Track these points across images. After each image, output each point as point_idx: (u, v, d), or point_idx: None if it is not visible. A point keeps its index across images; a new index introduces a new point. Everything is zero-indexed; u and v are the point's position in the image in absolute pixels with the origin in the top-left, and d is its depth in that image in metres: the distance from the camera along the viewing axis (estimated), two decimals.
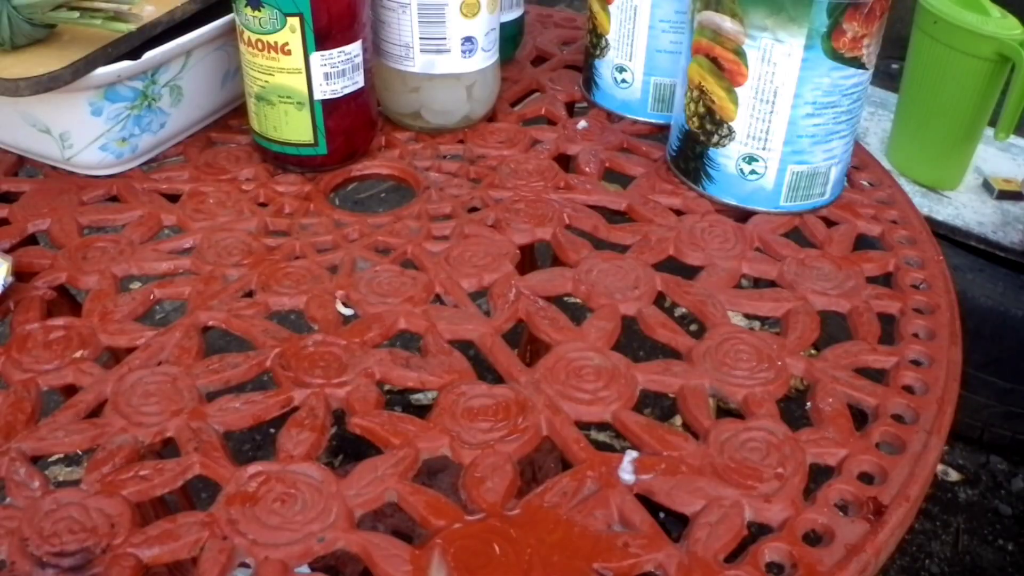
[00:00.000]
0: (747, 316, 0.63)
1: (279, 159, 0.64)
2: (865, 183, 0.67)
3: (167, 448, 0.45)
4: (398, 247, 0.58)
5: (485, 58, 0.68)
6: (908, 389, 0.49)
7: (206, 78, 0.66)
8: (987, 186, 1.34)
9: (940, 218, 1.27)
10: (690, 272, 0.57)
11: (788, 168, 0.60)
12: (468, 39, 0.66)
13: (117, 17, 0.58)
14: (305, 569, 0.40)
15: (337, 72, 0.61)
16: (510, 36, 0.77)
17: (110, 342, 0.51)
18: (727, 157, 0.61)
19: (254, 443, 1.22)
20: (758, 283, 0.58)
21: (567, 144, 0.70)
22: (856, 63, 0.57)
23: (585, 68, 0.75)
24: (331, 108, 0.62)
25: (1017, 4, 1.23)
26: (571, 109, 0.76)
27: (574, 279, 0.55)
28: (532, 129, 0.71)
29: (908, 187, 1.32)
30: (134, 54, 0.59)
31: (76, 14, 0.58)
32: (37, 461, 0.44)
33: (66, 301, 0.57)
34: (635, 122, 0.72)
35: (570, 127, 0.72)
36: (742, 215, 0.62)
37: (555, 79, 0.79)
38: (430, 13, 0.64)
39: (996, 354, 1.19)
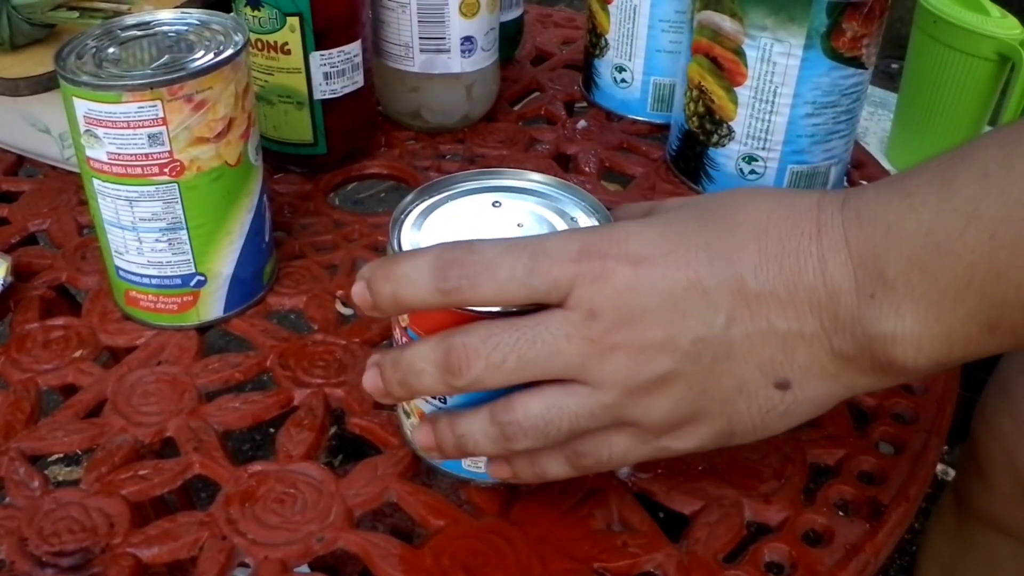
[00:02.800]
0: None
1: (279, 159, 0.64)
2: (865, 183, 0.67)
3: (167, 448, 0.45)
4: None
5: (485, 58, 0.68)
6: (908, 389, 0.49)
7: None
8: None
9: None
10: None
11: (788, 168, 0.60)
12: (468, 39, 0.66)
13: (116, 16, 0.58)
14: (305, 569, 0.40)
15: (337, 72, 0.61)
16: (510, 36, 0.77)
17: (109, 342, 0.51)
18: (727, 157, 0.61)
19: (254, 443, 1.21)
20: None
21: (567, 144, 0.70)
22: (856, 63, 0.57)
23: (585, 68, 0.75)
24: (331, 108, 0.62)
25: (1017, 4, 1.23)
26: (571, 109, 0.76)
27: None
28: (531, 129, 0.71)
29: None
30: None
31: (76, 14, 0.58)
32: (37, 461, 0.44)
33: (66, 301, 0.57)
34: (635, 122, 0.72)
35: (570, 127, 0.72)
36: None
37: (554, 79, 0.79)
38: (430, 13, 0.64)
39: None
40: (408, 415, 0.41)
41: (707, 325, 0.33)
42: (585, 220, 0.40)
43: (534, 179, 0.42)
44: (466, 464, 0.41)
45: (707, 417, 0.35)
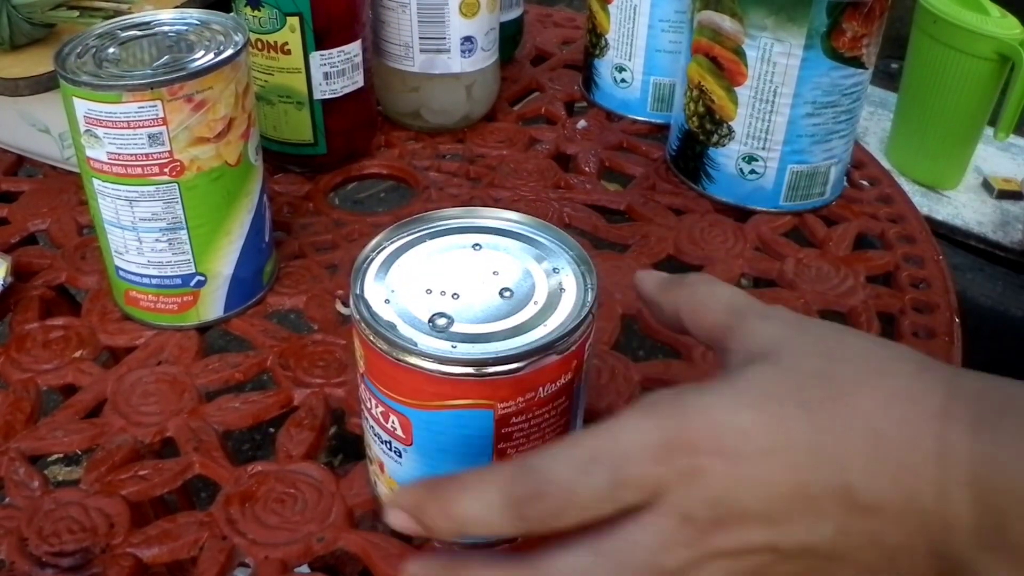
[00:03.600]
0: None
1: (279, 159, 0.64)
2: (865, 182, 0.67)
3: (166, 448, 0.45)
4: None
5: (485, 58, 0.68)
6: None
7: None
8: (987, 185, 1.34)
9: (940, 217, 1.27)
10: (690, 272, 0.57)
11: (788, 167, 0.60)
12: (468, 39, 0.66)
13: (117, 16, 0.58)
14: (305, 569, 0.40)
15: (337, 72, 0.61)
16: (510, 36, 0.77)
17: (109, 342, 0.51)
18: (727, 156, 0.61)
19: (254, 443, 1.22)
20: (758, 283, 0.58)
21: (567, 144, 0.70)
22: (856, 63, 0.57)
23: (585, 68, 0.75)
24: (331, 108, 0.62)
25: (1017, 4, 1.23)
26: (571, 108, 0.76)
27: None
28: (531, 129, 0.71)
29: (908, 186, 1.32)
30: None
31: (76, 13, 0.58)
32: (36, 461, 0.44)
33: (65, 301, 0.57)
34: (635, 122, 0.72)
35: (569, 127, 0.72)
36: (742, 215, 0.62)
37: (554, 79, 0.79)
38: (430, 13, 0.64)
39: (996, 354, 1.19)
40: (371, 461, 0.40)
41: (812, 532, 0.31)
42: (566, 270, 0.37)
43: (511, 219, 0.39)
44: None
45: None
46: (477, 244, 0.39)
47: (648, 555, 0.31)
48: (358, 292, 0.36)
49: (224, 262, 0.50)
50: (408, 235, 0.39)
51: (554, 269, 0.37)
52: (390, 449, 0.37)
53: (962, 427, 0.30)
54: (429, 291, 0.36)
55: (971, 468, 0.30)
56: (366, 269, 0.37)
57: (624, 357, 0.50)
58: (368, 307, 0.35)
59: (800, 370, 0.32)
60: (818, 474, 0.30)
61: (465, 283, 0.37)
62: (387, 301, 0.36)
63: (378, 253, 0.38)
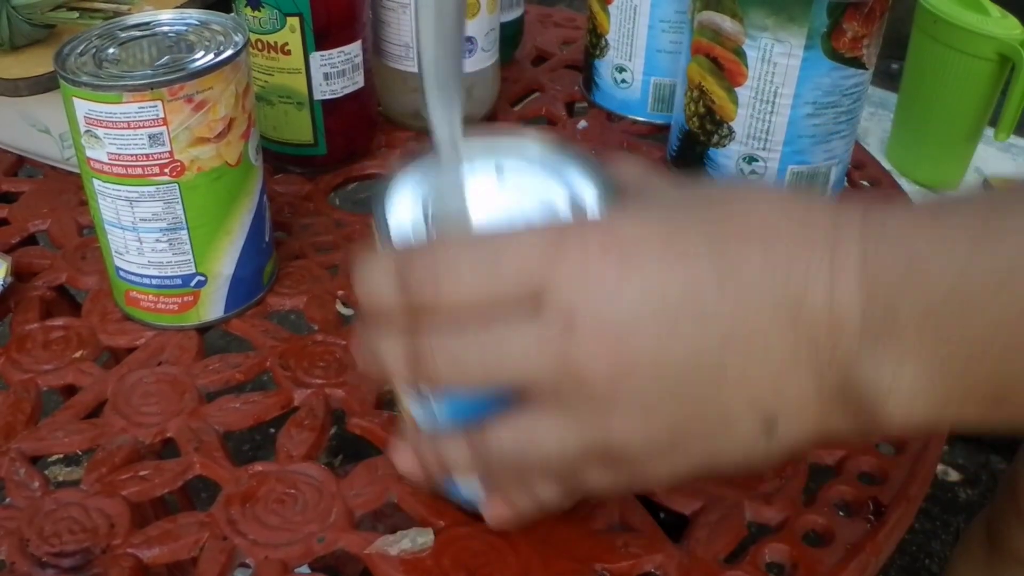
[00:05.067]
0: None
1: (279, 159, 0.64)
2: (865, 183, 0.67)
3: (167, 448, 0.45)
4: None
5: (485, 58, 0.68)
6: None
7: None
8: (987, 186, 1.34)
9: None
10: None
11: (788, 168, 0.60)
12: (468, 39, 0.66)
13: (116, 17, 0.58)
14: (305, 569, 0.40)
15: (337, 72, 0.61)
16: (510, 36, 0.77)
17: (110, 342, 0.51)
18: (727, 157, 0.61)
19: (254, 443, 1.21)
20: None
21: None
22: (856, 63, 0.57)
23: (585, 68, 0.75)
24: (331, 108, 0.62)
25: (1017, 4, 1.23)
26: (571, 109, 0.76)
27: None
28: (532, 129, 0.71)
29: (908, 187, 1.32)
30: None
31: (76, 14, 0.58)
32: (37, 461, 0.44)
33: (66, 301, 0.57)
34: (635, 122, 0.72)
35: (570, 127, 0.72)
36: None
37: (555, 79, 0.79)
38: None
39: None
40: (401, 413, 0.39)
41: (703, 336, 0.29)
42: (587, 191, 0.36)
43: (531, 144, 0.38)
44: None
45: (686, 449, 0.32)
46: (499, 166, 0.38)
47: (522, 345, 0.30)
48: (383, 225, 0.35)
49: (224, 262, 0.50)
50: (417, 170, 0.37)
51: (577, 195, 0.36)
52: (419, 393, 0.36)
53: (853, 213, 0.30)
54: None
55: (861, 246, 0.29)
56: (388, 197, 0.36)
57: None
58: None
59: (702, 196, 0.32)
60: (712, 274, 0.29)
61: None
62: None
63: (392, 189, 0.37)
